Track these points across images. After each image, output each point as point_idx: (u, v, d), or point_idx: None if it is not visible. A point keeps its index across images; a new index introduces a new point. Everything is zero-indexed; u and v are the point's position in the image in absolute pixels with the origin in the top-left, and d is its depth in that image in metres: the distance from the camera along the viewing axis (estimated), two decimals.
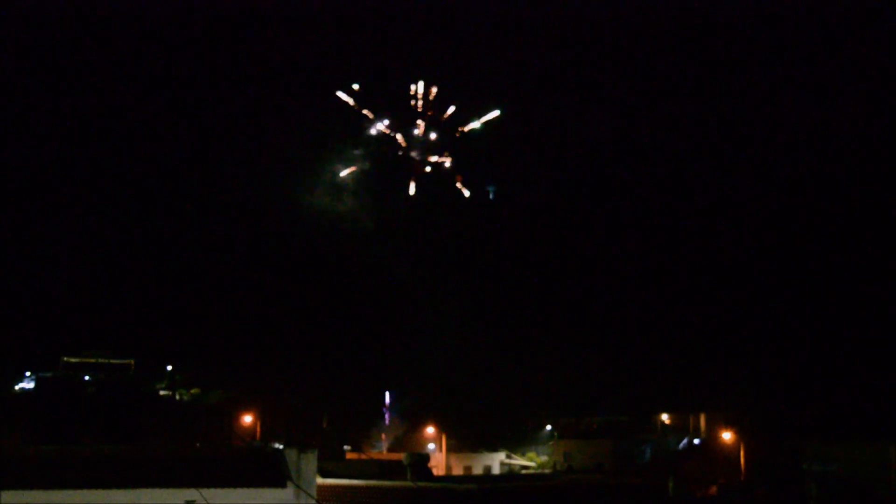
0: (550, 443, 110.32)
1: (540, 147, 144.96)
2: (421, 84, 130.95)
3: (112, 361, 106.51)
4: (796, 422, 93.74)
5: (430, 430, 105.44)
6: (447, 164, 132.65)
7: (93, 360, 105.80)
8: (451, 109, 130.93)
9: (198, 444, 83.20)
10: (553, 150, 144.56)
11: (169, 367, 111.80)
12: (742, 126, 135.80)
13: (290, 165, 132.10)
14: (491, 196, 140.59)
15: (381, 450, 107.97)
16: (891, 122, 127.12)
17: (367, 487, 44.59)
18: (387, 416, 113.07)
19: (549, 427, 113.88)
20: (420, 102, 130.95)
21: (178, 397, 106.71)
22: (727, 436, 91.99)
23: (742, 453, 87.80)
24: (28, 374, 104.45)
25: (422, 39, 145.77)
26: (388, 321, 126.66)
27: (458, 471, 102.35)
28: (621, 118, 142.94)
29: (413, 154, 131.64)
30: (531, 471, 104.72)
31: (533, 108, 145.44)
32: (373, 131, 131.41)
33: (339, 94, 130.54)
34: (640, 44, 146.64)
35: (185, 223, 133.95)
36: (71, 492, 33.59)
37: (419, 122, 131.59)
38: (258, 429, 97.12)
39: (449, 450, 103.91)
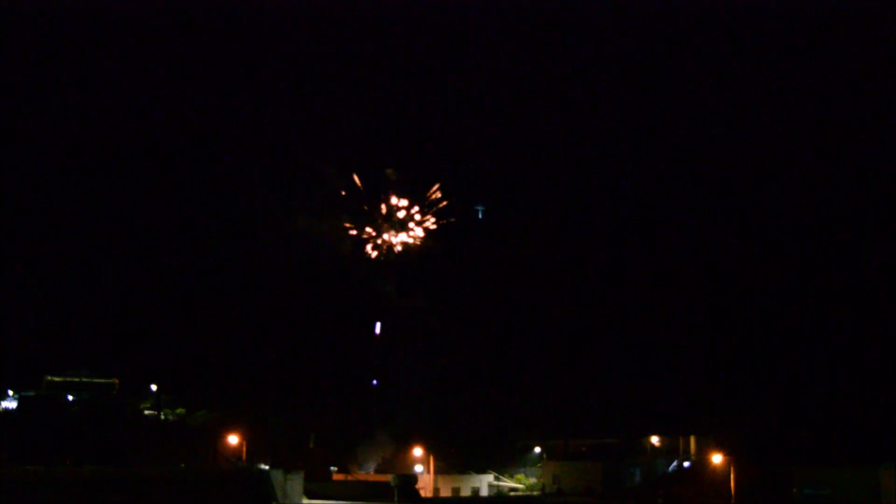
0: (539, 465, 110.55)
1: (531, 162, 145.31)
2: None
3: (96, 381, 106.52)
4: (787, 445, 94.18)
5: (418, 451, 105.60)
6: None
7: (76, 380, 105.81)
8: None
9: (183, 465, 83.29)
10: (544, 166, 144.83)
11: (154, 387, 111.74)
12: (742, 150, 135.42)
13: (277, 187, 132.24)
14: (480, 216, 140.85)
15: (368, 471, 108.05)
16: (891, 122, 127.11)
17: None
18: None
19: (537, 449, 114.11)
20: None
21: (162, 417, 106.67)
22: (717, 459, 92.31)
23: (732, 476, 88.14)
24: (10, 392, 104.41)
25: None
26: (376, 343, 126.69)
27: (445, 493, 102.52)
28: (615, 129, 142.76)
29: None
30: (520, 493, 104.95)
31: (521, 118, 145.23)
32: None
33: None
34: (639, 43, 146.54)
35: (172, 243, 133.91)
36: None
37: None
38: (244, 449, 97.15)
39: (437, 471, 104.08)
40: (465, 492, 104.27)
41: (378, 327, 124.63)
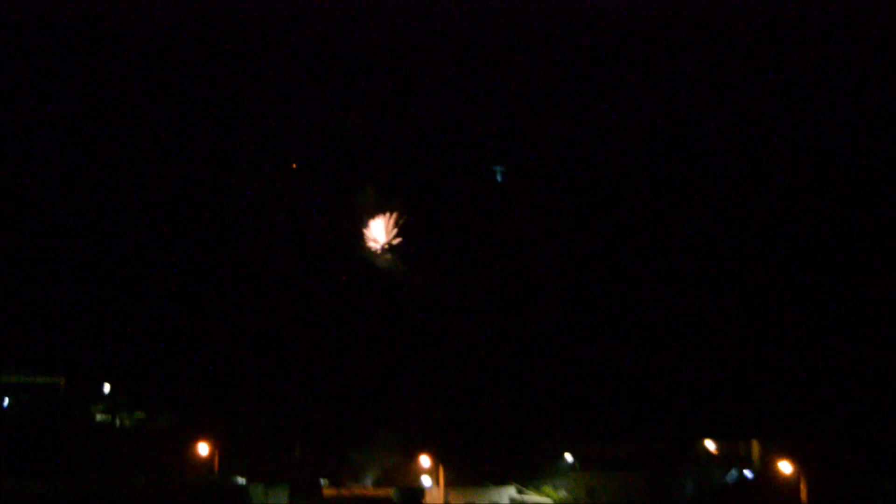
0: (571, 475, 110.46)
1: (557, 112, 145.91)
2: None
3: (37, 380, 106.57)
4: (870, 453, 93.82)
5: (425, 460, 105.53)
6: None
7: (13, 380, 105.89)
8: None
9: (143, 479, 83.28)
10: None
11: (107, 387, 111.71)
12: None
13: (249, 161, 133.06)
14: (498, 177, 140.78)
15: (366, 484, 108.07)
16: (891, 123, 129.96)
17: None
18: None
19: (568, 456, 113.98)
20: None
21: (118, 423, 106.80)
22: (786, 468, 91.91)
23: (804, 489, 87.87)
24: None
25: None
26: (374, 328, 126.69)
27: None
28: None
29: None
30: None
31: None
32: None
33: None
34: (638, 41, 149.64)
35: (128, 216, 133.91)
36: None
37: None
38: (216, 460, 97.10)
39: (447, 484, 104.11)
40: None
41: None
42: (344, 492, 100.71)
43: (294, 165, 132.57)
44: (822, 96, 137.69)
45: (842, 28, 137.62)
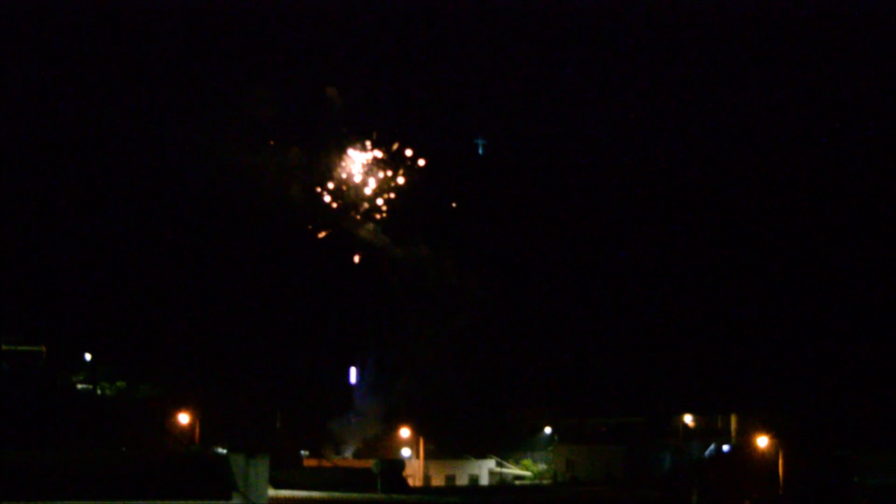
0: (550, 448, 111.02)
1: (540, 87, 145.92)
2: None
3: (18, 348, 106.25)
4: (846, 426, 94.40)
5: (405, 432, 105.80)
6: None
7: None
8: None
9: (124, 449, 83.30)
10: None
11: (88, 356, 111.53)
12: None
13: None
14: (480, 151, 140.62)
15: (347, 455, 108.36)
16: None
17: (329, 500, 44.82)
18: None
19: (548, 430, 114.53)
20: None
21: (99, 392, 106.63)
22: (763, 441, 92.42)
23: (781, 462, 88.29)
24: None
25: None
26: (354, 298, 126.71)
27: (438, 481, 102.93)
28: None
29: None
30: (527, 481, 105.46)
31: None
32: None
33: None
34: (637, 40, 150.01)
35: (108, 187, 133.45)
36: None
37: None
38: (197, 430, 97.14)
39: (427, 456, 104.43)
40: (462, 480, 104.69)
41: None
42: (325, 463, 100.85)
43: (272, 142, 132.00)
44: (821, 96, 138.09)
45: (842, 28, 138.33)
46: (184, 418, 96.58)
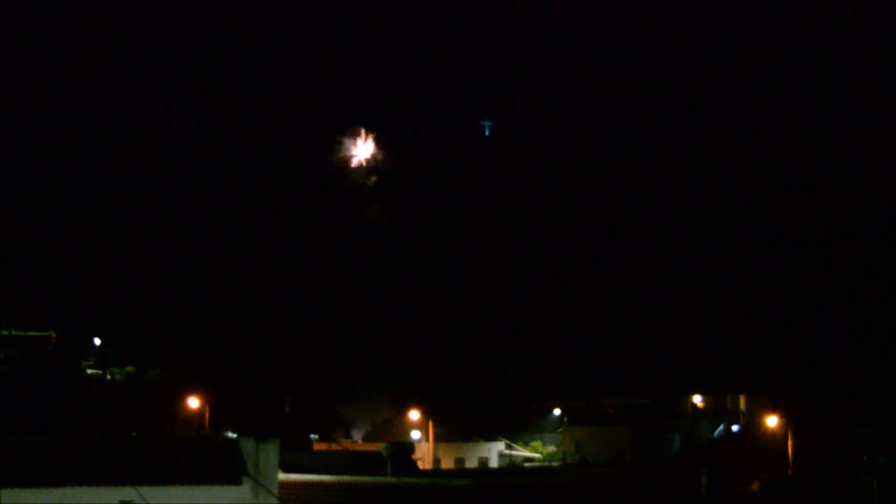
0: (559, 430, 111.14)
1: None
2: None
3: (29, 334, 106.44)
4: (856, 406, 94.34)
5: (414, 415, 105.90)
6: None
7: (5, 333, 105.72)
8: None
9: (134, 434, 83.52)
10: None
11: (98, 341, 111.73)
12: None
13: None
14: (487, 133, 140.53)
15: (356, 439, 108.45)
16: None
17: (339, 484, 44.77)
18: None
19: (557, 412, 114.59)
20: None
21: (109, 377, 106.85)
22: (772, 422, 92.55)
23: (790, 443, 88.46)
24: None
25: None
26: (363, 283, 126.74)
27: (447, 463, 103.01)
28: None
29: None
30: (536, 463, 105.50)
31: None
32: None
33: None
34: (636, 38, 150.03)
35: (114, 165, 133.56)
36: None
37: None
38: (207, 414, 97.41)
39: (437, 439, 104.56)
40: (471, 462, 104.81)
41: None
42: (334, 446, 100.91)
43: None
44: (821, 95, 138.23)
45: (841, 28, 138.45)
46: (193, 403, 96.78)
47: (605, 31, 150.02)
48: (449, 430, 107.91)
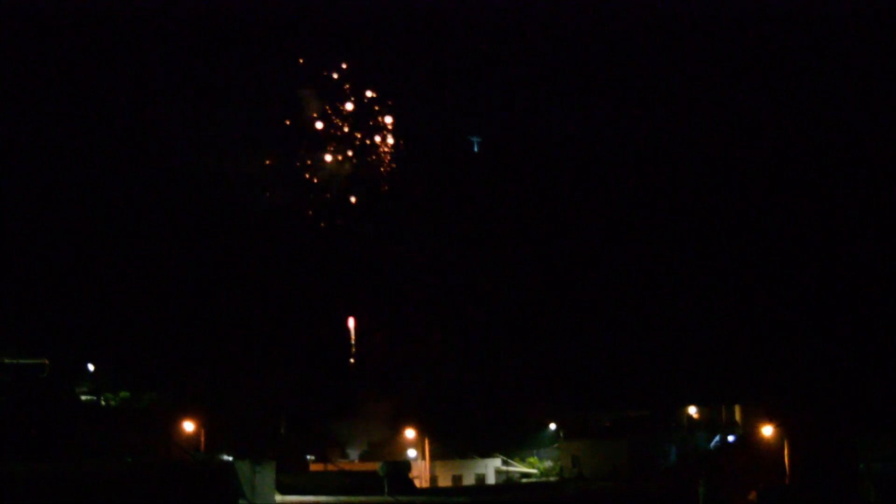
0: (556, 445, 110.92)
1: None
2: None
3: (22, 361, 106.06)
4: (851, 413, 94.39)
5: (410, 433, 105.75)
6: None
7: None
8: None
9: (129, 459, 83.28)
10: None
11: (91, 367, 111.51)
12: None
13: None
14: (475, 148, 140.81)
15: (353, 459, 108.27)
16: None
17: None
18: None
19: (553, 426, 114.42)
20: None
21: (103, 402, 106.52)
22: (768, 431, 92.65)
23: (786, 451, 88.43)
24: None
25: None
26: (356, 300, 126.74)
27: (444, 481, 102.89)
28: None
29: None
30: (533, 479, 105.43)
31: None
32: None
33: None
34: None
35: (106, 195, 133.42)
36: None
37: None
38: (202, 437, 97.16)
39: (433, 456, 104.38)
40: (469, 479, 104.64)
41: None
42: (330, 467, 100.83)
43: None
44: (821, 96, 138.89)
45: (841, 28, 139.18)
46: (188, 426, 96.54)
47: (605, 31, 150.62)
48: (445, 447, 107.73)
